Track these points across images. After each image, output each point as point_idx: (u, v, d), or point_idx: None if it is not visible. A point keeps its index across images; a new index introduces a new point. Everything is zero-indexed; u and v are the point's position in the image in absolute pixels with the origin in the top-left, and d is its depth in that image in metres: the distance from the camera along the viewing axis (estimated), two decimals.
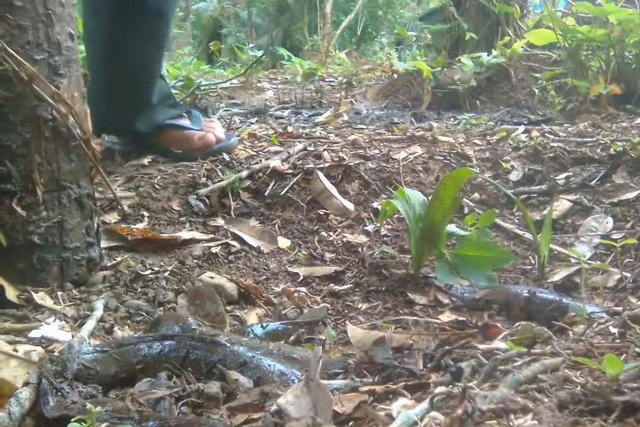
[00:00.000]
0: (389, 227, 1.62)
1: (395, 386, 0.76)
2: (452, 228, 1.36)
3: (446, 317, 1.17)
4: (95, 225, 1.27)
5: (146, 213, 1.57)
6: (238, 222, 1.60)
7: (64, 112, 1.13)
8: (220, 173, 1.77)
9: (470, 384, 0.66)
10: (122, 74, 1.77)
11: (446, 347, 0.86)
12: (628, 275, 1.26)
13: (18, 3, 1.06)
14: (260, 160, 1.87)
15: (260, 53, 4.35)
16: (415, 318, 1.16)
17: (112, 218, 1.53)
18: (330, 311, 1.24)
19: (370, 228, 1.62)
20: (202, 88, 3.17)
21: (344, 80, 3.72)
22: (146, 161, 1.83)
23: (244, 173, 1.75)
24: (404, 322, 1.14)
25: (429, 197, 1.32)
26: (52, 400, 0.76)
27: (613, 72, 2.59)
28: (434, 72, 3.07)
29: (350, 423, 0.70)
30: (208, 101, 3.15)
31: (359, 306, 1.27)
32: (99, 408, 0.69)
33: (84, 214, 1.22)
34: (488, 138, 2.15)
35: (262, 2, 8.48)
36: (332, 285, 1.36)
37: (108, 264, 1.30)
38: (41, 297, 1.11)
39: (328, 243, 1.55)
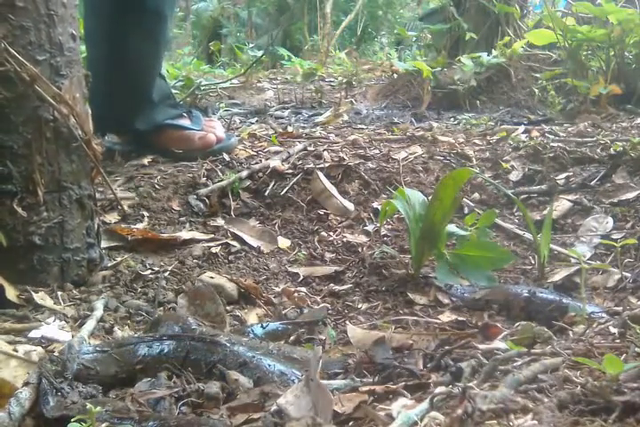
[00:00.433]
0: (389, 227, 1.62)
1: (395, 386, 0.76)
2: (451, 228, 1.36)
3: (446, 317, 1.17)
4: (95, 226, 1.27)
5: (146, 213, 1.57)
6: (238, 222, 1.60)
7: (65, 113, 1.13)
8: (220, 173, 1.77)
9: (470, 384, 0.67)
10: (121, 73, 1.77)
11: (446, 347, 0.86)
12: (628, 275, 1.26)
13: (20, 3, 1.06)
14: (260, 160, 1.87)
15: (260, 53, 4.35)
16: (415, 318, 1.16)
17: (112, 218, 1.53)
18: (330, 311, 1.24)
19: (370, 228, 1.62)
20: (202, 88, 3.17)
21: (344, 80, 3.72)
22: (146, 161, 1.83)
23: (244, 173, 1.75)
24: (404, 322, 1.14)
25: (429, 197, 1.32)
26: (52, 400, 0.76)
27: (613, 72, 2.59)
28: (434, 72, 3.07)
29: (350, 423, 0.70)
30: (208, 101, 3.15)
31: (359, 306, 1.27)
32: (99, 408, 0.69)
33: (84, 215, 1.22)
34: (488, 138, 2.15)
35: (262, 2, 8.48)
36: (332, 285, 1.36)
37: (109, 264, 1.30)
38: (41, 297, 1.11)
39: (328, 243, 1.55)
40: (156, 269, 1.33)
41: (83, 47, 1.69)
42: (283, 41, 8.02)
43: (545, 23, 2.86)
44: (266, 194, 1.73)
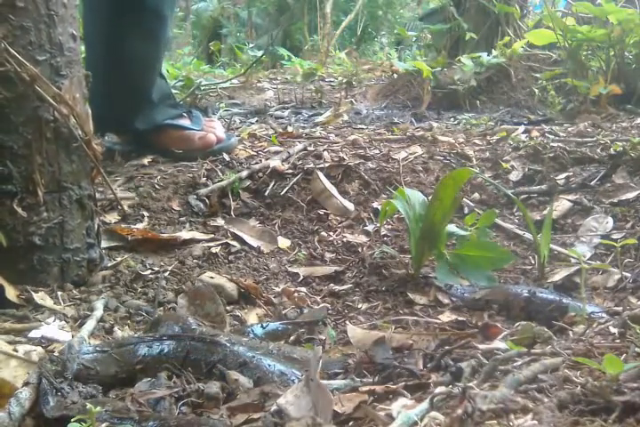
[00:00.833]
0: (389, 227, 1.62)
1: (395, 386, 0.76)
2: (451, 228, 1.36)
3: (446, 317, 1.17)
4: (96, 226, 1.27)
5: (146, 213, 1.57)
6: (238, 222, 1.60)
7: (65, 113, 1.13)
8: (220, 173, 1.77)
9: (470, 384, 0.67)
10: (121, 73, 1.77)
11: (446, 347, 0.86)
12: (628, 275, 1.26)
13: (20, 3, 1.06)
14: (260, 160, 1.87)
15: (260, 53, 4.35)
16: (415, 318, 1.16)
17: (112, 218, 1.53)
18: (330, 311, 1.24)
19: (370, 228, 1.62)
20: (202, 88, 3.17)
21: (344, 80, 3.72)
22: (146, 161, 1.83)
23: (244, 173, 1.75)
24: (404, 322, 1.14)
25: (429, 197, 1.32)
26: (52, 400, 0.76)
27: (613, 72, 2.59)
28: (434, 72, 3.07)
29: (350, 423, 0.70)
30: (208, 101, 3.15)
31: (359, 306, 1.27)
32: (99, 408, 0.69)
33: (84, 215, 1.22)
34: (488, 138, 2.15)
35: (262, 2, 8.48)
36: (332, 285, 1.36)
37: (109, 264, 1.30)
38: (41, 297, 1.11)
39: (328, 243, 1.55)
40: (156, 269, 1.33)
41: (82, 47, 1.69)
42: (283, 41, 8.02)
43: (545, 23, 2.86)
44: (266, 194, 1.73)
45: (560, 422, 0.58)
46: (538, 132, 2.15)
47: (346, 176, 1.80)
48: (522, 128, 2.23)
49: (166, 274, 1.30)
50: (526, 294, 1.17)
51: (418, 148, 2.02)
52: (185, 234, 1.50)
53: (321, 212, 1.67)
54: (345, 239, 1.55)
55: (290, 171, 1.80)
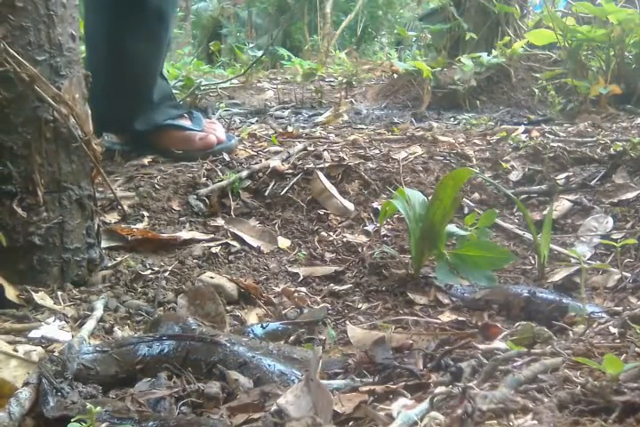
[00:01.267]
0: (389, 227, 1.62)
1: (395, 386, 0.76)
2: (451, 228, 1.36)
3: (446, 317, 1.17)
4: (95, 226, 1.27)
5: (146, 213, 1.57)
6: (238, 222, 1.60)
7: (65, 113, 1.13)
8: (220, 173, 1.77)
9: (470, 384, 0.67)
10: (122, 73, 1.77)
11: (446, 347, 0.86)
12: (628, 275, 1.26)
13: (19, 3, 1.06)
14: (260, 160, 1.87)
15: (260, 53, 4.35)
16: (415, 318, 1.16)
17: (112, 218, 1.53)
18: (330, 311, 1.24)
19: (370, 228, 1.62)
20: (202, 88, 3.17)
21: (344, 80, 3.73)
22: (146, 161, 1.83)
23: (244, 173, 1.75)
24: (404, 322, 1.14)
25: (429, 197, 1.32)
26: (52, 400, 0.76)
27: (613, 72, 2.59)
28: (434, 72, 3.07)
29: (350, 423, 0.70)
30: (208, 101, 3.15)
31: (359, 306, 1.27)
32: (99, 408, 0.69)
33: (84, 215, 1.22)
34: (488, 138, 2.15)
35: (262, 2, 8.48)
36: (332, 285, 1.36)
37: (109, 264, 1.30)
38: (41, 297, 1.11)
39: (328, 243, 1.55)
40: (156, 269, 1.33)
41: (82, 47, 1.69)
42: (283, 41, 8.02)
43: (545, 23, 2.86)
44: (266, 194, 1.73)
45: (560, 422, 0.58)
46: (538, 132, 2.15)
47: (346, 176, 1.80)
48: (522, 128, 2.23)
49: (166, 274, 1.30)
50: (526, 294, 1.17)
51: (418, 148, 2.02)
52: (185, 234, 1.50)
53: (321, 212, 1.67)
54: (345, 239, 1.55)
55: (290, 171, 1.80)
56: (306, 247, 1.54)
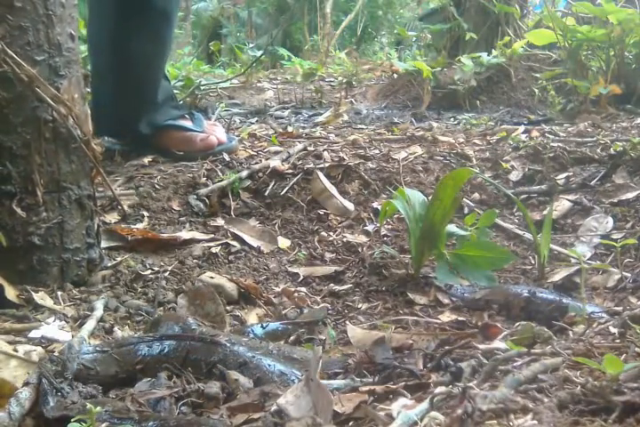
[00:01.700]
0: (389, 227, 1.62)
1: (395, 386, 0.76)
2: (451, 228, 1.36)
3: (446, 317, 1.17)
4: (95, 226, 1.27)
5: (146, 213, 1.57)
6: (238, 222, 1.60)
7: (64, 113, 1.13)
8: (220, 173, 1.77)
9: (470, 384, 0.66)
10: (127, 74, 1.76)
11: (446, 347, 0.86)
12: (628, 275, 1.26)
13: (18, 3, 1.06)
14: (260, 160, 1.87)
15: (259, 53, 4.35)
16: (415, 318, 1.16)
17: (112, 218, 1.53)
18: (330, 311, 1.24)
19: (370, 228, 1.62)
20: (202, 88, 3.17)
21: (344, 80, 3.73)
22: (146, 161, 1.83)
23: (244, 173, 1.75)
24: (404, 322, 1.14)
25: (429, 197, 1.32)
26: (52, 400, 0.76)
27: (613, 72, 2.59)
28: (434, 72, 3.07)
29: (350, 423, 0.70)
30: (208, 101, 3.15)
31: (359, 306, 1.27)
32: (99, 408, 0.69)
33: (84, 215, 1.22)
34: (488, 138, 2.15)
35: (262, 2, 8.48)
36: (332, 285, 1.36)
37: (109, 264, 1.30)
38: (41, 297, 1.11)
39: (328, 243, 1.55)
40: (156, 269, 1.33)
41: (82, 47, 1.69)
42: (283, 41, 8.02)
43: (545, 23, 2.86)
44: (266, 194, 1.73)
45: (560, 422, 0.58)
46: (538, 132, 2.15)
47: (346, 176, 1.80)
48: (522, 128, 2.23)
49: (166, 274, 1.30)
50: (526, 294, 1.17)
51: (418, 148, 2.02)
52: (185, 234, 1.50)
53: (321, 212, 1.67)
54: (345, 239, 1.55)
55: (290, 171, 1.79)
56: (306, 247, 1.54)
